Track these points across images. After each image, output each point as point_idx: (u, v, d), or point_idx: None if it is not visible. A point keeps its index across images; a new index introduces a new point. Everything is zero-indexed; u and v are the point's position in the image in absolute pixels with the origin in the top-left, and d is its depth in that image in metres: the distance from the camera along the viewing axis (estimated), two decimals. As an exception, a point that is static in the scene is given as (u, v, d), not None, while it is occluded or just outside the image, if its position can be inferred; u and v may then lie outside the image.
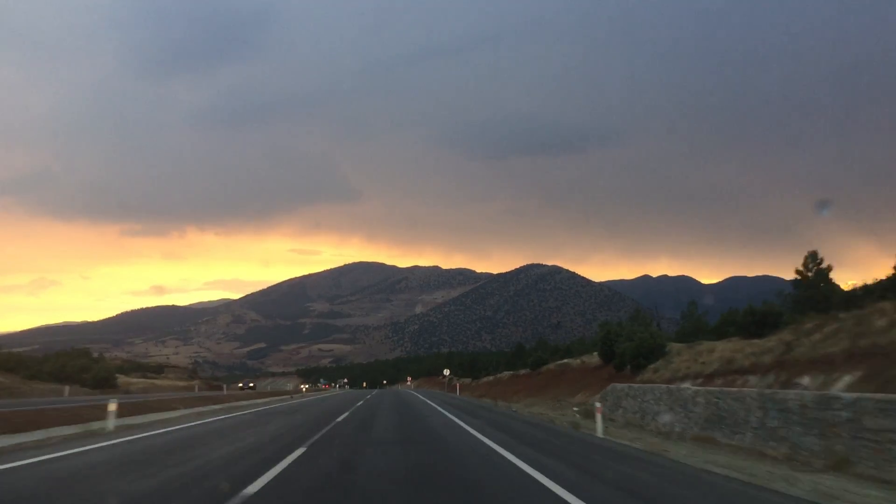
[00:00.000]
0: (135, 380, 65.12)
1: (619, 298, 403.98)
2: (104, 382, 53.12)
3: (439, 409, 26.83)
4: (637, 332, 32.49)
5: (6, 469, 8.76)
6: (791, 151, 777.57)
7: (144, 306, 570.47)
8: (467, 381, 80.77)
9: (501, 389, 54.36)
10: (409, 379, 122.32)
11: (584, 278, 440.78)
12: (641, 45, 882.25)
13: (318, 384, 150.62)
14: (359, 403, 31.39)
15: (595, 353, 42.84)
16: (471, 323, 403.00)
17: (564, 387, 39.31)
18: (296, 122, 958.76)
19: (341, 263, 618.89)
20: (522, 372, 60.24)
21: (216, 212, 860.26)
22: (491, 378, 72.21)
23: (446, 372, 74.32)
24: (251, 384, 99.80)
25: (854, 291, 24.57)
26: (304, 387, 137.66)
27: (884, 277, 24.44)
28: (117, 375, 57.61)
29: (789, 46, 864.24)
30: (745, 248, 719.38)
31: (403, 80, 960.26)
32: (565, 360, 50.70)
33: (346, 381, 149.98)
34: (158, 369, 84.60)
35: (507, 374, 67.32)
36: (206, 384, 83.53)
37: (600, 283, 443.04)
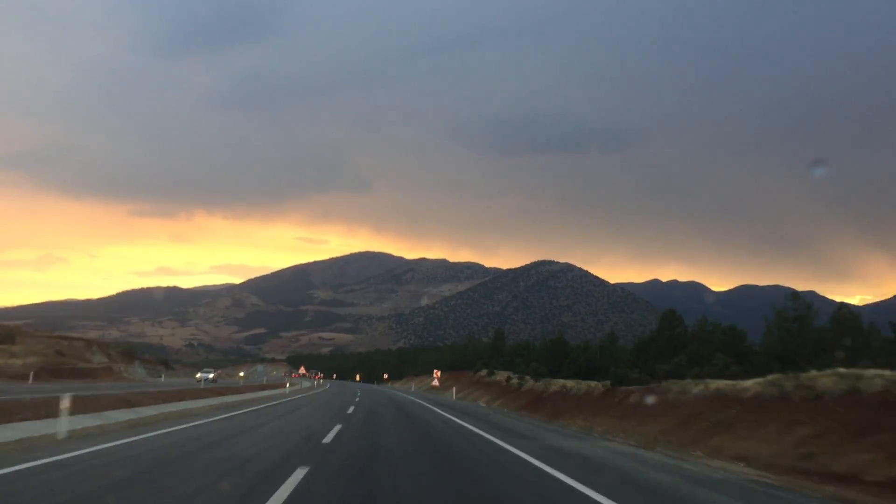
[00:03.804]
0: None
1: (632, 300, 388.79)
2: None
3: None
4: None
5: None
6: (807, 160, 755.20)
7: (147, 286, 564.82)
8: (542, 384, 42.20)
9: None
10: (436, 374, 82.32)
11: (596, 277, 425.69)
12: (659, 47, 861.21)
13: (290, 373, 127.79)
14: None
15: None
16: (478, 318, 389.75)
17: None
18: (309, 109, 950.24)
19: (347, 252, 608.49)
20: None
21: (225, 196, 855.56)
22: (679, 390, 22.12)
23: None
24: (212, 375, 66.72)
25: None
26: (225, 374, 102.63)
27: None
28: None
29: (809, 51, 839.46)
30: (757, 256, 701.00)
31: (419, 72, 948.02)
32: None
33: (302, 371, 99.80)
34: (7, 336, 48.09)
35: (750, 386, 17.91)
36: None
37: (613, 285, 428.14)
